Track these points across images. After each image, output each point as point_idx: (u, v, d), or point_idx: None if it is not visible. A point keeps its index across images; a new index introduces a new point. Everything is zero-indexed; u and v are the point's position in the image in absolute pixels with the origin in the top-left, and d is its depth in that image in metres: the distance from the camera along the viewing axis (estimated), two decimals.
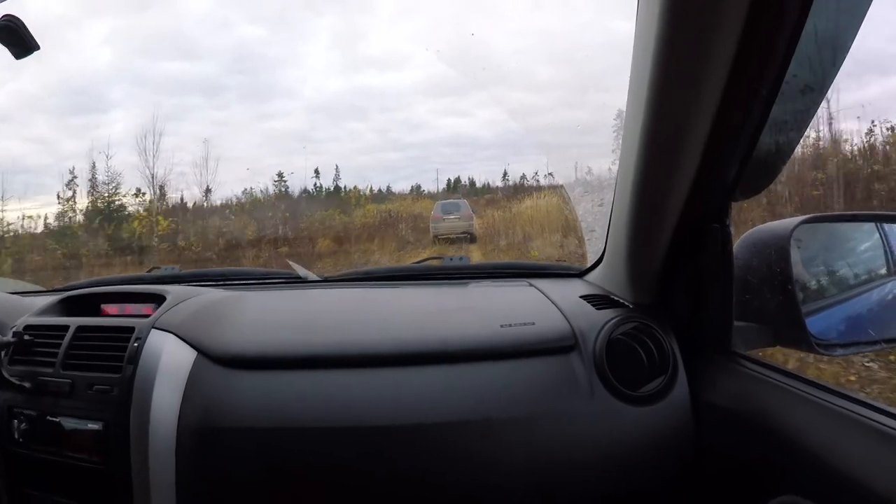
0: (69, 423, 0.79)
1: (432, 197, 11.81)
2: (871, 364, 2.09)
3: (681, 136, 0.61)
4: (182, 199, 10.19)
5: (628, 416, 0.73)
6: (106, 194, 9.48)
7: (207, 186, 10.16)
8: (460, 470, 0.72)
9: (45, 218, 9.37)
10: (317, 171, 11.91)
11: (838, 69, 0.60)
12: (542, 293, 0.96)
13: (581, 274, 1.08)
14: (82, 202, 9.60)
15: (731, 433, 0.69)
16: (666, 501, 0.75)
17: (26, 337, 0.86)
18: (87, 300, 0.98)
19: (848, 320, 0.77)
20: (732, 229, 0.71)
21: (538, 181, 11.09)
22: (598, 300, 0.87)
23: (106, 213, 9.34)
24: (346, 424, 0.72)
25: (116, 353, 0.80)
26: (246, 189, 10.68)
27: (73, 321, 0.87)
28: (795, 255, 0.72)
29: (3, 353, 0.84)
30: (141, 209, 9.51)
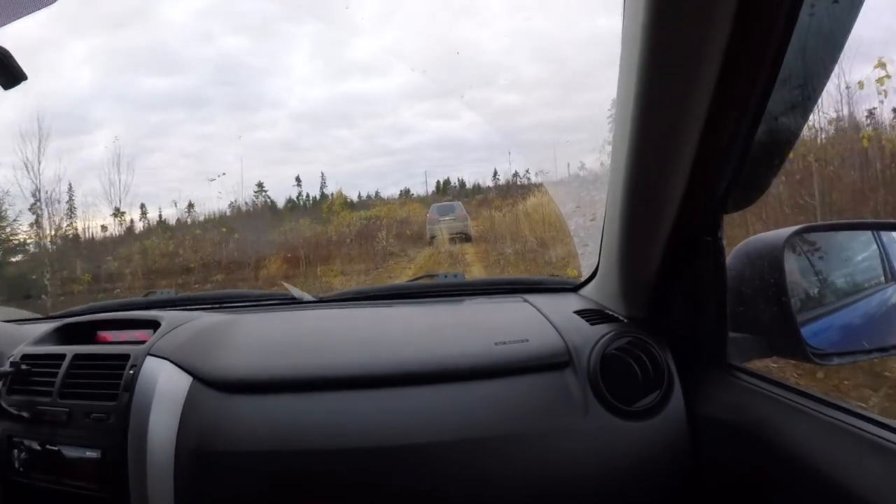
0: (68, 451, 0.79)
1: (421, 200, 11.65)
2: None
3: (670, 149, 0.61)
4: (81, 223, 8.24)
5: (624, 432, 0.72)
6: None
7: (117, 208, 8.52)
8: (458, 489, 0.72)
9: None
10: (298, 179, 11.31)
11: (828, 77, 0.60)
12: (537, 309, 0.96)
13: (576, 288, 1.08)
14: None
15: (728, 446, 0.68)
16: None
17: (23, 366, 0.87)
18: (83, 327, 0.99)
19: (844, 329, 0.77)
20: (724, 242, 0.71)
21: (529, 179, 10.53)
22: (593, 315, 0.87)
23: None
24: (343, 446, 0.72)
25: (112, 381, 0.81)
26: (233, 202, 9.70)
27: (70, 350, 0.88)
28: (790, 265, 0.72)
29: (1, 384, 0.85)
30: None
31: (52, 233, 7.95)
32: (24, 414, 0.82)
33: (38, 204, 7.65)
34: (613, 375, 0.75)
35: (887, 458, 0.50)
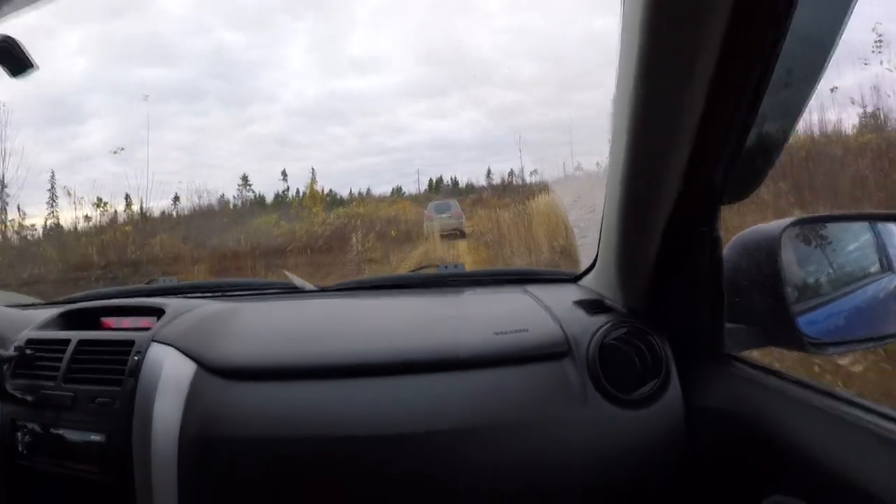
0: (72, 435, 0.81)
1: (413, 198, 11.41)
2: None
3: (668, 142, 0.62)
4: None
5: (622, 420, 0.74)
6: None
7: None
8: (458, 478, 0.73)
9: None
10: (284, 174, 10.47)
11: (825, 70, 0.61)
12: (536, 299, 0.97)
13: (575, 279, 1.09)
14: None
15: (724, 434, 0.69)
16: (660, 503, 0.76)
17: (28, 351, 0.87)
18: (87, 313, 1.00)
19: (840, 318, 0.77)
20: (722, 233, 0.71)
21: (523, 179, 10.02)
22: (591, 305, 0.88)
23: None
24: (344, 434, 0.73)
25: (117, 367, 0.82)
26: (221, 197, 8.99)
27: (75, 335, 0.88)
28: (786, 256, 0.72)
29: (5, 367, 0.86)
30: None
31: None
32: (29, 398, 0.83)
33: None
34: (611, 365, 0.76)
35: (886, 448, 0.50)
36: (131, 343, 0.84)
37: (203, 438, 0.75)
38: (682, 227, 0.70)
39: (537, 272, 1.26)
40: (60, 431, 0.81)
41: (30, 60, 0.75)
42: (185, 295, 1.19)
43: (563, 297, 0.95)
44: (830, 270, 0.81)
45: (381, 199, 11.49)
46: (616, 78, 0.65)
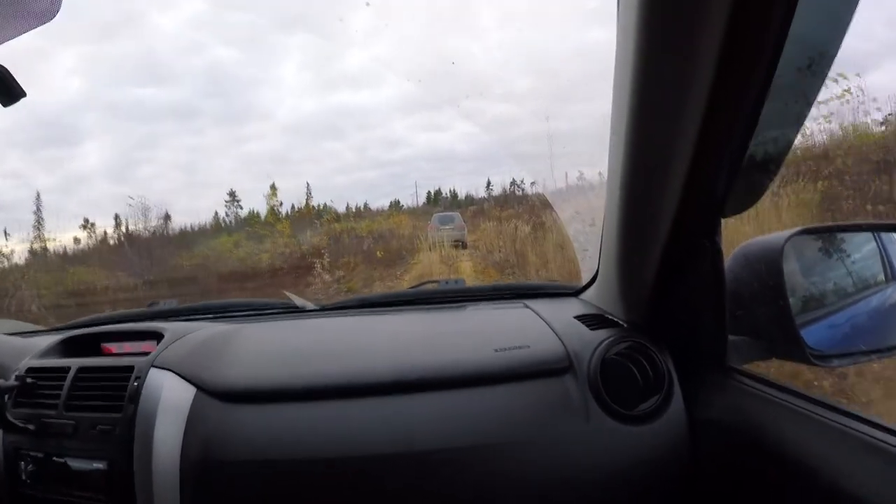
0: (74, 463, 0.80)
1: (411, 212, 11.34)
2: None
3: (667, 154, 0.61)
4: None
5: (624, 436, 0.73)
6: None
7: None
8: (459, 495, 0.72)
9: None
10: (273, 187, 9.68)
11: (823, 82, 0.61)
12: (537, 314, 0.96)
13: (576, 293, 1.09)
14: None
15: (728, 447, 0.69)
16: None
17: (29, 380, 0.87)
18: (87, 339, 0.99)
19: (844, 330, 0.77)
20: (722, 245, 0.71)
21: (523, 190, 9.81)
22: (593, 320, 0.87)
23: None
24: (346, 454, 0.73)
25: (117, 393, 0.82)
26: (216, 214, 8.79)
27: (74, 362, 0.88)
28: (789, 267, 0.72)
29: (6, 397, 0.85)
30: None
31: None
32: (31, 426, 0.82)
33: None
34: (614, 380, 0.75)
35: (889, 461, 0.50)
36: (130, 369, 0.84)
37: (204, 462, 0.74)
38: (683, 239, 0.69)
39: (538, 286, 1.26)
40: (63, 460, 0.81)
41: (21, 90, 0.74)
42: (185, 317, 1.19)
43: (563, 312, 0.94)
44: (833, 281, 0.80)
45: (379, 212, 11.46)
46: (613, 89, 0.65)
